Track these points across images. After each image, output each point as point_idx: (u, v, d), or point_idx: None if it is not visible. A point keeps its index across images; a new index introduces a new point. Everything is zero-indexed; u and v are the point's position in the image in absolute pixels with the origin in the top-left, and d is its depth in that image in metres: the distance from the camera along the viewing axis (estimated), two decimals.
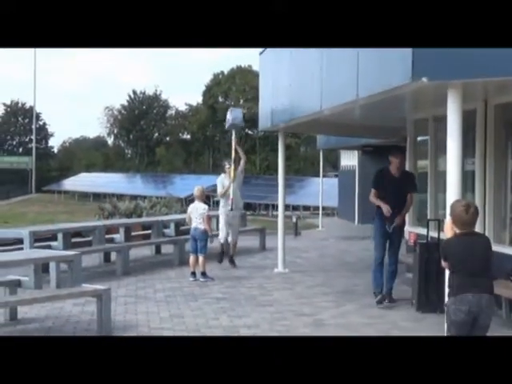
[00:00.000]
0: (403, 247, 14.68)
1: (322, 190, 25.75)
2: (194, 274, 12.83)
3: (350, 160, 28.16)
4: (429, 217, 12.61)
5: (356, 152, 26.63)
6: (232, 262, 14.57)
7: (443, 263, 6.16)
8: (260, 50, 14.58)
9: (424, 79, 6.31)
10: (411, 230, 13.80)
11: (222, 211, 14.49)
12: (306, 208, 38.00)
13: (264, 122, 14.55)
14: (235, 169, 14.43)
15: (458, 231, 6.02)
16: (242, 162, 14.79)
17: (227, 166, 14.57)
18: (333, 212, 33.71)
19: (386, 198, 10.59)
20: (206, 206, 13.13)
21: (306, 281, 13.01)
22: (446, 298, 6.38)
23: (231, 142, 15.03)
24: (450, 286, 6.08)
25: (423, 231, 12.97)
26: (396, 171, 10.83)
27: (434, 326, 9.01)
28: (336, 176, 40.04)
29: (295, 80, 11.71)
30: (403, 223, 11.23)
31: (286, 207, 34.45)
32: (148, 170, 71.56)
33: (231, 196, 14.22)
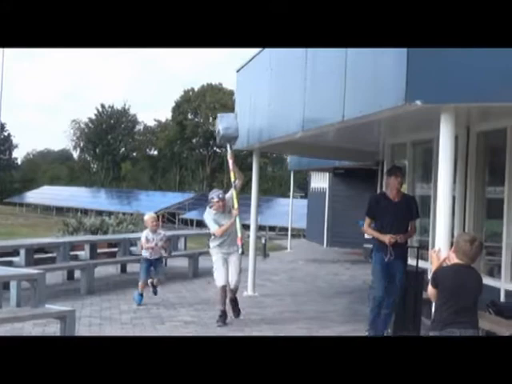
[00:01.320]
0: None
1: (291, 211, 25.45)
2: (154, 292, 12.47)
3: (320, 182, 27.92)
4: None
5: (327, 174, 26.42)
6: (236, 309, 11.21)
7: (431, 291, 5.86)
8: (237, 66, 14.32)
9: (418, 102, 6.04)
10: None
11: (215, 251, 10.94)
12: (272, 228, 37.80)
13: (239, 141, 14.18)
14: (237, 195, 11.00)
15: (454, 261, 5.79)
16: (238, 184, 11.19)
17: (215, 200, 10.80)
18: (299, 233, 33.48)
19: (383, 228, 9.31)
20: (144, 234, 12.40)
21: (277, 305, 12.64)
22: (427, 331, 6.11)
23: (227, 159, 11.55)
24: (435, 319, 5.81)
25: None
26: (395, 195, 9.37)
27: None
28: (302, 197, 39.95)
29: (275, 99, 11.42)
30: (405, 254, 9.66)
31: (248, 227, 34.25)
32: (113, 185, 71.10)
33: (239, 235, 10.71)
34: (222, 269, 10.82)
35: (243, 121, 13.80)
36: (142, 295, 12.16)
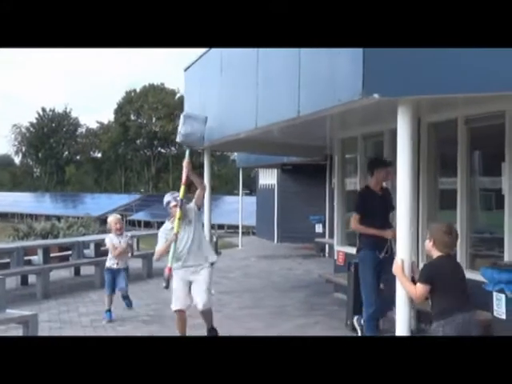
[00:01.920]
0: (331, 266, 14.60)
1: (241, 208, 25.52)
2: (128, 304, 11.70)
3: (268, 179, 28.04)
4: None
5: (275, 170, 26.55)
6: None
7: (423, 289, 5.88)
8: (184, 65, 14.32)
9: (376, 95, 6.13)
10: (339, 249, 13.71)
11: (176, 273, 8.87)
12: (221, 226, 37.82)
13: None
14: (181, 212, 8.76)
15: (436, 254, 5.93)
16: (198, 192, 9.09)
17: (173, 204, 8.89)
18: (248, 230, 33.57)
19: (374, 223, 8.80)
20: (108, 239, 11.36)
21: (235, 302, 12.71)
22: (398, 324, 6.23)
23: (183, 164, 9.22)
24: (439, 310, 5.84)
25: (350, 250, 12.91)
26: (379, 188, 9.08)
27: None
28: (247, 194, 40.09)
29: (226, 97, 11.43)
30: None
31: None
32: (57, 189, 70.43)
33: (169, 264, 8.62)
34: (179, 290, 8.86)
35: None
36: (110, 311, 11.02)
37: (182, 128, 9.52)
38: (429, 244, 6.00)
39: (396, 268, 6.36)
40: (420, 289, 5.92)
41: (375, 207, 8.90)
